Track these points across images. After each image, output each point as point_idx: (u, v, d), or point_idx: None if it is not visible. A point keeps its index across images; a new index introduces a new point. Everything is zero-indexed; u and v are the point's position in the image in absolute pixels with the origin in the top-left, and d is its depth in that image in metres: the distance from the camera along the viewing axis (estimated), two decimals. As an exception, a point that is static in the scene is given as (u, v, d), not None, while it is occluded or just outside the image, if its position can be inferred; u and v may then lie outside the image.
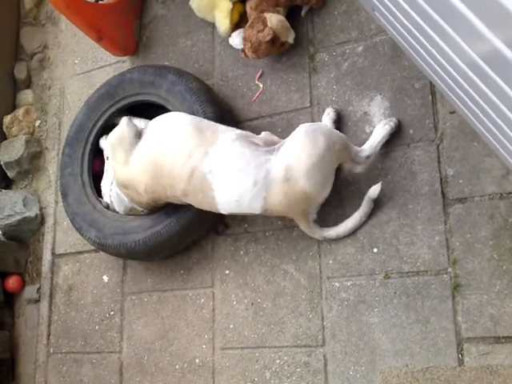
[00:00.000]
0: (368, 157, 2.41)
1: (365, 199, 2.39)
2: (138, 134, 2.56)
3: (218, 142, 2.35)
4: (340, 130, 2.56)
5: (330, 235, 2.45)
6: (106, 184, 2.82)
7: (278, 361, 2.52)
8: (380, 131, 2.42)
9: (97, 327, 3.03)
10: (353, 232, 2.44)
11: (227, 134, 2.39)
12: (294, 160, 2.25)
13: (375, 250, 2.40)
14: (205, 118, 2.60)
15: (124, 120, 2.62)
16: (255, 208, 2.33)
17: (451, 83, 1.91)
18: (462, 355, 2.17)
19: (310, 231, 2.46)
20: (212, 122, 2.50)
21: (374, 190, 2.36)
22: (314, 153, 2.24)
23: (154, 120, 2.60)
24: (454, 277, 2.24)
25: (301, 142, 2.28)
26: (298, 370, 2.47)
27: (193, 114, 2.62)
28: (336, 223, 2.46)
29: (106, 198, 2.82)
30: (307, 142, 2.26)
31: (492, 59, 1.20)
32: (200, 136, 2.37)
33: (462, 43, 1.34)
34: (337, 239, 2.47)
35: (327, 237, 2.46)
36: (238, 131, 2.45)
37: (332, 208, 2.49)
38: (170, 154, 2.39)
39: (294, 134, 2.34)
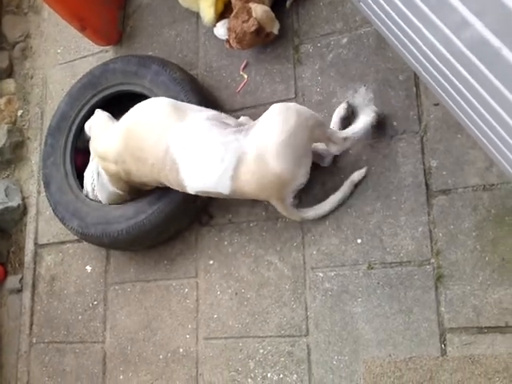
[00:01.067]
0: (345, 139, 2.33)
1: (346, 181, 2.41)
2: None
3: (186, 118, 2.36)
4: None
5: (308, 216, 2.44)
6: (88, 172, 2.80)
7: (261, 350, 2.53)
8: (364, 118, 2.41)
9: (80, 317, 3.02)
10: (337, 222, 2.46)
11: (198, 114, 2.40)
12: (264, 138, 2.18)
13: (359, 240, 2.41)
14: (189, 108, 2.59)
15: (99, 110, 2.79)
16: (223, 188, 2.27)
17: (436, 74, 1.91)
18: (444, 345, 2.19)
19: (287, 213, 2.43)
20: (191, 105, 2.52)
21: (359, 174, 2.39)
22: (285, 129, 2.16)
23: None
24: (437, 267, 2.26)
25: (271, 120, 2.22)
26: (282, 359, 2.48)
27: (176, 104, 2.61)
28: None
29: (88, 187, 2.79)
30: (278, 120, 2.19)
31: (477, 47, 1.21)
32: (174, 114, 2.38)
33: (447, 31, 1.35)
34: (315, 220, 2.48)
35: (306, 217, 2.45)
36: (212, 112, 2.45)
37: (317, 200, 2.49)
38: (145, 129, 2.41)
39: (265, 113, 2.29)
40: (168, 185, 2.44)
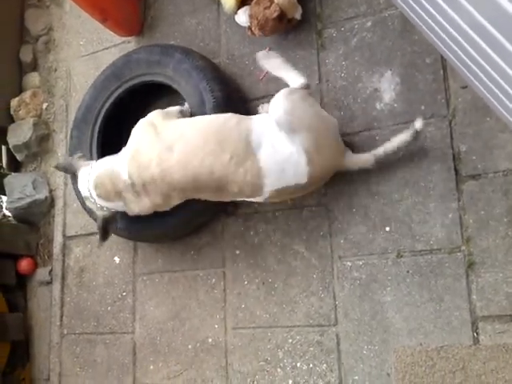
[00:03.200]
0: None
1: (408, 130, 2.29)
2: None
3: (253, 119, 2.34)
4: (349, 108, 2.54)
5: (379, 153, 2.33)
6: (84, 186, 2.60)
7: (290, 340, 2.52)
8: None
9: (109, 308, 3.04)
10: (365, 210, 2.43)
11: (257, 116, 2.39)
12: (295, 117, 2.25)
13: (387, 228, 2.37)
14: (212, 96, 2.57)
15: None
16: (302, 177, 2.23)
17: (462, 55, 1.86)
18: (477, 334, 2.15)
19: (360, 163, 2.36)
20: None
21: (419, 122, 2.26)
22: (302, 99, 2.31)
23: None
24: (467, 255, 2.21)
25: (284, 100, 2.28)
26: (311, 349, 2.47)
27: (200, 92, 2.60)
28: (350, 196, 2.46)
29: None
30: (284, 99, 2.28)
31: (502, 24, 1.17)
32: (238, 118, 2.34)
33: (471, 8, 1.30)
34: (342, 208, 2.48)
35: (377, 156, 2.33)
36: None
37: (341, 190, 2.46)
38: (214, 123, 2.34)
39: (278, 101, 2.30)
40: (233, 189, 2.29)
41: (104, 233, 2.56)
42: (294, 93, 2.31)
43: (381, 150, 2.34)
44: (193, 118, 2.46)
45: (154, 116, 2.48)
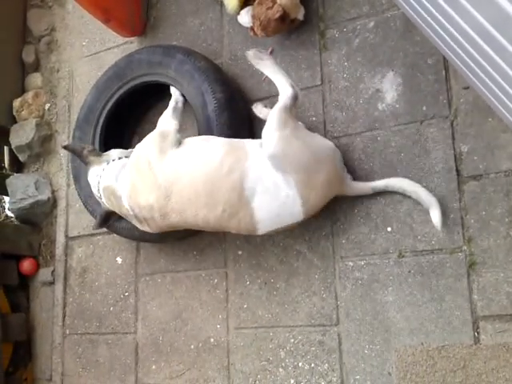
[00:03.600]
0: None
1: (427, 195, 2.28)
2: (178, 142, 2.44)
3: (249, 157, 2.28)
4: (351, 108, 2.54)
5: (378, 185, 2.39)
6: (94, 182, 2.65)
7: (292, 340, 2.53)
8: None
9: (111, 308, 3.05)
10: (366, 211, 2.44)
11: (256, 148, 2.31)
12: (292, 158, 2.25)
13: (389, 228, 2.38)
14: (214, 97, 2.58)
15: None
16: (297, 217, 2.28)
17: (464, 56, 1.87)
18: (477, 333, 2.16)
19: (357, 191, 2.42)
20: (238, 139, 2.44)
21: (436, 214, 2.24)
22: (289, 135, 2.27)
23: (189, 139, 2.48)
24: (469, 255, 2.22)
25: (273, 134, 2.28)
26: (313, 348, 2.48)
27: (202, 93, 2.60)
28: (351, 197, 2.47)
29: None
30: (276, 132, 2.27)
31: (503, 25, 1.17)
32: (234, 153, 2.29)
33: (472, 10, 1.31)
34: (345, 208, 2.49)
35: (376, 188, 2.39)
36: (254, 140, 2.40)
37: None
38: (215, 175, 2.27)
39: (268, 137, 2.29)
40: (230, 230, 2.36)
41: (102, 222, 2.65)
42: (285, 126, 2.26)
43: (382, 184, 2.37)
44: (186, 157, 2.36)
45: (150, 150, 2.41)
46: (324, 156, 2.30)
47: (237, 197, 2.23)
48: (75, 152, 2.72)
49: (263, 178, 2.23)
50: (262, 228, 2.30)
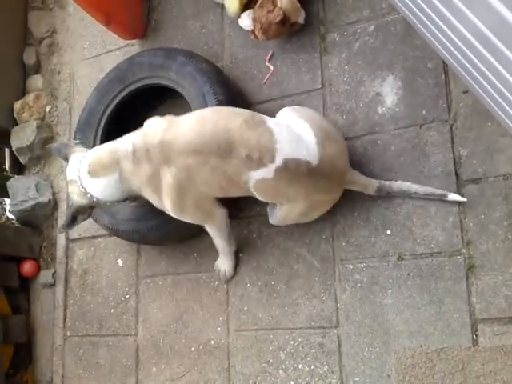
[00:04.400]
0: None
1: (437, 190, 2.32)
2: None
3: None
4: (352, 112, 2.56)
5: (384, 184, 2.39)
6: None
7: (292, 342, 2.54)
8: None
9: (112, 310, 3.06)
10: (366, 214, 2.45)
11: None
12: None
13: (388, 232, 2.39)
14: (215, 99, 2.59)
15: None
16: (313, 155, 2.21)
17: (462, 60, 1.88)
18: (476, 336, 2.17)
19: (364, 181, 2.40)
20: None
21: (455, 196, 2.29)
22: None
23: None
24: (468, 258, 2.23)
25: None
26: (313, 351, 2.49)
27: (203, 95, 2.61)
28: (351, 200, 2.48)
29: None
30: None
31: (500, 30, 1.19)
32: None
33: (470, 14, 1.33)
34: (345, 212, 2.50)
35: (382, 186, 2.39)
36: None
37: (343, 194, 2.48)
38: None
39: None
40: (244, 155, 2.17)
41: (72, 220, 2.42)
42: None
43: (388, 183, 2.38)
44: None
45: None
46: (336, 132, 2.42)
47: (258, 116, 2.29)
48: (59, 151, 2.52)
49: (281, 119, 2.35)
50: (280, 150, 2.17)
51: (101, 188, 2.33)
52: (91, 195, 2.34)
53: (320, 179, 2.24)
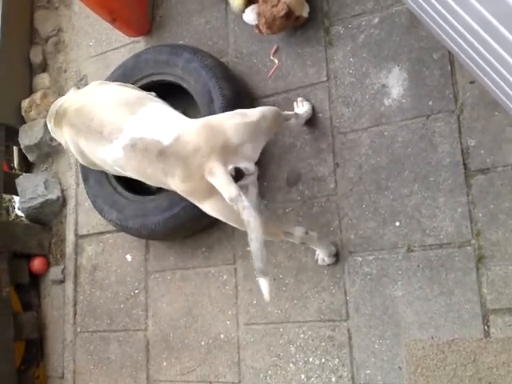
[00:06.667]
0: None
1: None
2: None
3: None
4: (358, 104, 2.55)
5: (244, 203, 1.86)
6: None
7: (302, 335, 2.54)
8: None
9: (122, 306, 3.07)
10: (374, 206, 2.44)
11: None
12: None
13: (397, 223, 2.39)
14: (221, 94, 2.60)
15: None
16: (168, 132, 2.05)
17: (470, 50, 1.87)
18: (487, 327, 2.16)
19: (224, 182, 1.90)
20: None
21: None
22: None
23: None
24: (477, 248, 2.22)
25: None
26: (323, 344, 2.49)
27: (208, 90, 2.63)
28: (359, 192, 2.46)
29: None
30: None
31: (507, 19, 1.18)
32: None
33: (476, 4, 1.32)
34: (352, 203, 2.47)
35: (242, 201, 1.86)
36: None
37: (351, 186, 2.48)
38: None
39: None
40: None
41: None
42: None
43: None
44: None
45: None
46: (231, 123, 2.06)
47: (144, 100, 2.29)
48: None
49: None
50: (129, 128, 2.11)
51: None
52: None
53: (173, 161, 1.99)
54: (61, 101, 2.55)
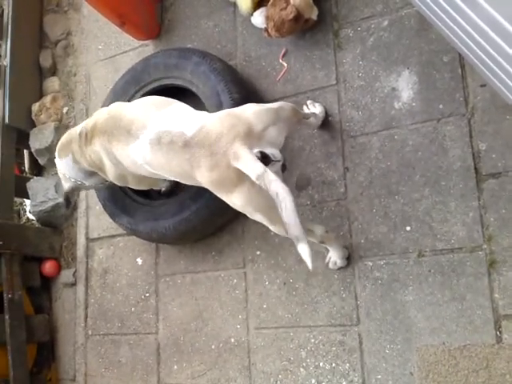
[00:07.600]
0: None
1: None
2: None
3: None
4: (368, 107, 2.54)
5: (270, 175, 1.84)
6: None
7: (312, 340, 2.54)
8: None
9: (133, 309, 3.08)
10: (385, 210, 2.43)
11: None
12: None
13: (408, 228, 2.38)
14: (230, 98, 2.59)
15: None
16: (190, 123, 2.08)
17: (480, 53, 1.85)
18: (500, 332, 2.15)
19: (250, 162, 1.89)
20: None
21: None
22: None
23: None
24: (489, 253, 2.21)
25: None
26: (334, 348, 2.48)
27: (217, 94, 2.62)
28: (369, 197, 2.45)
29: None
30: None
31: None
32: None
33: (488, 7, 1.31)
34: (362, 208, 2.46)
35: (266, 174, 1.84)
36: None
37: (361, 190, 2.47)
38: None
39: None
40: None
41: (67, 202, 2.84)
42: None
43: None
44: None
45: None
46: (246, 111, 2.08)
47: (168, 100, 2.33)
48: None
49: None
50: (154, 123, 2.14)
51: (63, 168, 2.61)
52: (70, 176, 2.61)
53: (198, 151, 1.99)
54: (76, 128, 2.53)
